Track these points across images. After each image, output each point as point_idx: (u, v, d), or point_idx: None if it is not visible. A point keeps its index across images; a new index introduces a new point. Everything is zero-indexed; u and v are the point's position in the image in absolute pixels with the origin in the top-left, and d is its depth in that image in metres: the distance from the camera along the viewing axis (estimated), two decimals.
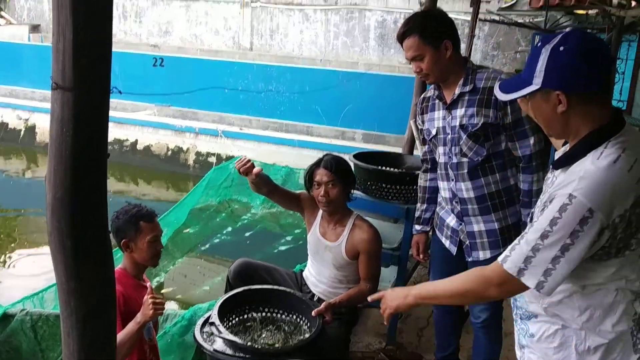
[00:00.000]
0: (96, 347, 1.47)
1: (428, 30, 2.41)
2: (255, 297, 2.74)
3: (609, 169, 1.42)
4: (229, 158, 9.64)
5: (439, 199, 2.78)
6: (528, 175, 2.44)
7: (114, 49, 1.37)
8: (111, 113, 1.38)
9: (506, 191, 2.51)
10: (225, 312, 2.58)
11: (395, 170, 3.62)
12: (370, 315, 3.77)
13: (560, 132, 1.58)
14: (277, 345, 2.54)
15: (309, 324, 2.64)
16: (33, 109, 12.19)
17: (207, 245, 7.23)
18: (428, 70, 2.47)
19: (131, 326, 2.34)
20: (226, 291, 2.99)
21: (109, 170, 1.42)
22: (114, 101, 10.41)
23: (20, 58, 13.10)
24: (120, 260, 2.64)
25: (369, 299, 2.08)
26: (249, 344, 2.44)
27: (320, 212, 3.06)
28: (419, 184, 2.93)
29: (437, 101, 2.63)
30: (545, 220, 1.45)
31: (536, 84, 1.51)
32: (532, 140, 2.41)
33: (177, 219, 6.44)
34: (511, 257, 1.51)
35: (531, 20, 10.03)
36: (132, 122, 11.33)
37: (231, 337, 2.37)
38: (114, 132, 10.98)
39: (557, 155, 1.64)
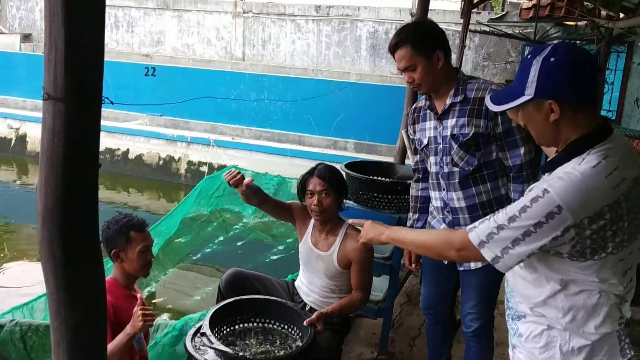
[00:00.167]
0: (86, 358, 1.46)
1: (420, 41, 2.43)
2: (246, 307, 2.73)
3: (586, 172, 1.47)
4: (221, 167, 9.65)
5: (431, 209, 2.79)
6: (519, 185, 2.45)
7: (106, 59, 1.37)
8: (103, 122, 1.38)
9: (497, 201, 2.52)
10: (216, 322, 2.57)
11: (387, 179, 3.62)
12: (362, 325, 3.77)
13: (550, 140, 1.62)
14: (268, 355, 2.53)
15: (300, 334, 2.63)
16: (24, 118, 12.16)
17: (198, 255, 7.20)
18: (420, 81, 2.49)
19: (121, 337, 2.32)
20: (218, 301, 2.98)
21: (100, 180, 1.41)
22: (105, 110, 10.37)
23: (11, 67, 13.09)
24: (111, 271, 2.62)
25: (350, 221, 2.31)
26: (240, 354, 2.43)
27: (312, 221, 3.06)
28: (410, 194, 2.94)
29: (428, 111, 2.64)
30: (517, 206, 1.52)
31: (528, 94, 1.55)
32: (522, 150, 2.43)
33: (169, 228, 6.41)
34: (477, 229, 1.59)
35: (521, 31, 10.12)
36: (124, 132, 11.31)
37: (222, 347, 2.36)
38: (106, 142, 10.96)
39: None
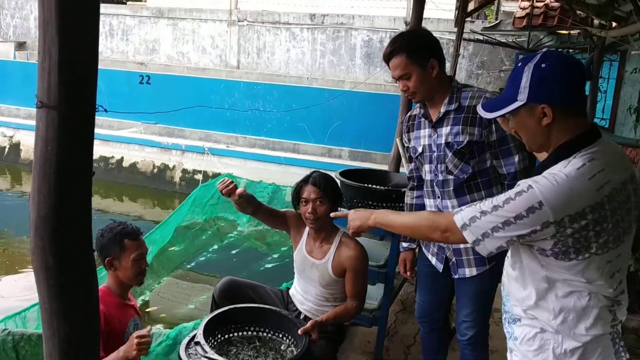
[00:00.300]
0: None
1: (415, 50, 2.44)
2: (241, 315, 2.72)
3: (571, 174, 1.52)
4: (216, 175, 9.64)
5: None
6: None
7: (100, 67, 1.37)
8: (97, 130, 1.38)
9: None
10: (210, 331, 2.55)
11: (382, 187, 3.63)
12: (357, 333, 3.76)
13: (542, 145, 1.67)
14: None
15: (295, 343, 2.62)
16: (18, 126, 12.12)
17: (192, 264, 7.18)
18: (415, 89, 2.50)
19: (113, 356, 2.30)
20: (212, 310, 2.97)
21: (94, 188, 1.41)
22: (99, 119, 10.36)
23: (5, 75, 13.05)
24: (105, 279, 2.61)
25: (332, 215, 2.33)
26: None
27: (307, 229, 3.06)
28: (405, 202, 2.94)
29: (422, 119, 2.65)
30: (502, 197, 1.58)
31: (521, 99, 1.60)
32: (516, 158, 2.44)
33: (163, 236, 6.39)
34: (462, 212, 1.66)
35: (514, 40, 10.17)
36: (118, 140, 11.29)
37: (217, 356, 2.34)
38: (100, 150, 10.94)
39: None
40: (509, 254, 1.76)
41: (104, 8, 13.58)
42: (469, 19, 8.98)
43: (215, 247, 7.44)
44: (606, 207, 1.52)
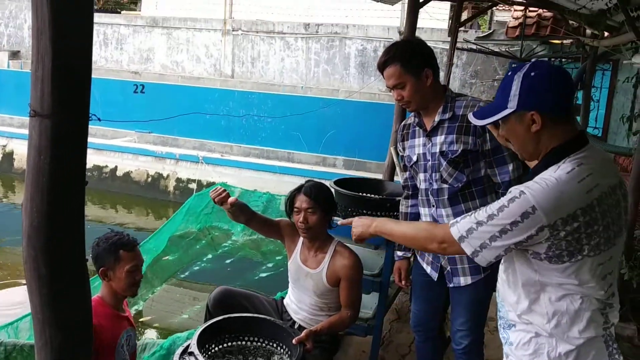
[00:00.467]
0: None
1: (409, 59, 2.45)
2: (235, 325, 2.70)
3: (561, 178, 1.57)
4: (210, 185, 9.63)
5: None
6: None
7: (94, 76, 1.36)
8: (90, 139, 1.37)
9: None
10: (204, 341, 2.54)
11: (376, 196, 3.62)
12: (352, 342, 3.74)
13: (532, 153, 1.71)
14: None
15: (289, 352, 2.61)
16: (11, 135, 12.09)
17: (186, 273, 7.15)
18: (409, 98, 2.50)
19: None
20: (206, 319, 2.95)
21: (87, 197, 1.40)
22: (93, 127, 10.37)
23: None
24: (99, 288, 2.58)
25: (339, 222, 2.34)
26: None
27: (301, 238, 3.05)
28: (400, 210, 2.94)
29: (417, 128, 2.65)
30: (496, 206, 1.61)
31: (511, 107, 1.65)
32: (510, 167, 2.44)
33: (157, 246, 6.37)
34: (458, 224, 1.68)
35: (508, 49, 10.23)
36: (112, 149, 11.27)
37: None
38: (93, 159, 10.92)
39: None
40: (502, 259, 1.78)
41: (98, 17, 13.60)
42: (462, 28, 9.03)
43: (210, 256, 7.42)
44: (596, 209, 1.56)
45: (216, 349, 2.63)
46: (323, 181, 3.14)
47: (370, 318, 3.40)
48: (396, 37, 11.16)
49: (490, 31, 11.56)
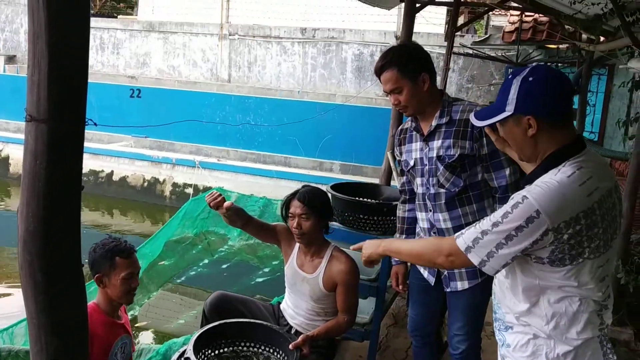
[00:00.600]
0: None
1: (406, 64, 2.45)
2: (231, 330, 2.69)
3: (562, 181, 1.59)
4: (206, 189, 9.61)
5: (418, 230, 2.79)
6: None
7: (90, 80, 1.36)
8: (86, 144, 1.37)
9: None
10: (201, 346, 2.53)
11: (373, 201, 3.62)
12: (349, 347, 3.73)
13: (530, 155, 1.74)
14: None
15: (286, 358, 2.60)
16: (7, 140, 12.06)
17: (182, 278, 7.13)
18: (406, 103, 2.50)
19: None
20: (202, 325, 2.94)
21: (83, 202, 1.40)
22: (89, 132, 10.36)
23: None
24: (96, 293, 2.57)
25: (352, 247, 2.28)
26: None
27: (298, 243, 3.05)
28: (397, 215, 2.93)
29: (414, 133, 2.65)
30: (500, 213, 1.62)
31: (509, 110, 1.67)
32: (507, 172, 2.44)
33: (153, 251, 6.35)
34: (464, 235, 1.69)
35: (504, 54, 10.27)
36: (108, 153, 11.26)
37: None
38: (89, 163, 10.90)
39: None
40: None
41: (94, 22, 13.58)
42: (458, 33, 9.05)
43: (206, 261, 7.41)
44: (597, 212, 1.59)
45: (212, 354, 2.62)
46: (320, 186, 3.13)
47: (367, 323, 3.39)
48: (393, 42, 11.19)
49: (487, 36, 11.60)
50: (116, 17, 16.23)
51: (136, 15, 16.07)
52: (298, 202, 2.91)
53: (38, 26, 1.24)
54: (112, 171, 11.26)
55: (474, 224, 1.70)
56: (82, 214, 1.40)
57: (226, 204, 2.83)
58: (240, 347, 2.69)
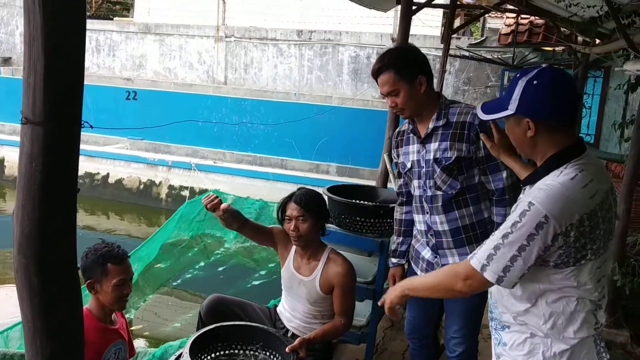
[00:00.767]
0: None
1: (403, 66, 2.45)
2: (228, 333, 2.69)
3: (565, 183, 1.61)
4: (202, 192, 9.59)
5: (415, 232, 2.78)
6: (501, 208, 2.46)
7: (86, 82, 1.35)
8: (82, 146, 1.36)
9: (480, 224, 2.53)
10: (197, 349, 2.52)
11: (370, 203, 3.62)
12: (345, 350, 3.73)
13: (529, 154, 1.77)
14: None
15: None
16: (2, 142, 12.03)
17: (178, 281, 7.12)
18: (403, 105, 2.50)
19: None
20: (198, 328, 2.93)
21: (79, 204, 1.39)
22: (85, 134, 10.33)
23: None
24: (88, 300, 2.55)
25: (380, 303, 2.18)
26: None
27: (294, 246, 3.04)
28: (394, 217, 2.93)
29: (411, 135, 2.65)
30: (508, 223, 1.63)
31: (511, 109, 1.71)
32: (504, 174, 2.44)
33: (148, 254, 6.34)
34: (477, 255, 1.69)
35: (500, 56, 10.29)
36: (104, 156, 11.23)
37: None
38: (85, 166, 10.87)
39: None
40: None
41: (90, 24, 13.56)
42: (455, 35, 9.09)
43: (202, 264, 7.40)
44: (598, 214, 1.62)
45: (209, 357, 2.62)
46: (316, 188, 3.13)
47: (363, 326, 3.39)
48: (389, 44, 11.20)
49: (483, 38, 11.62)
50: (112, 19, 16.20)
51: (132, 17, 16.05)
52: (295, 204, 2.90)
53: (34, 28, 1.23)
54: (108, 173, 11.23)
55: (484, 242, 1.69)
56: (77, 217, 1.39)
57: (223, 206, 2.83)
58: (236, 350, 2.68)
